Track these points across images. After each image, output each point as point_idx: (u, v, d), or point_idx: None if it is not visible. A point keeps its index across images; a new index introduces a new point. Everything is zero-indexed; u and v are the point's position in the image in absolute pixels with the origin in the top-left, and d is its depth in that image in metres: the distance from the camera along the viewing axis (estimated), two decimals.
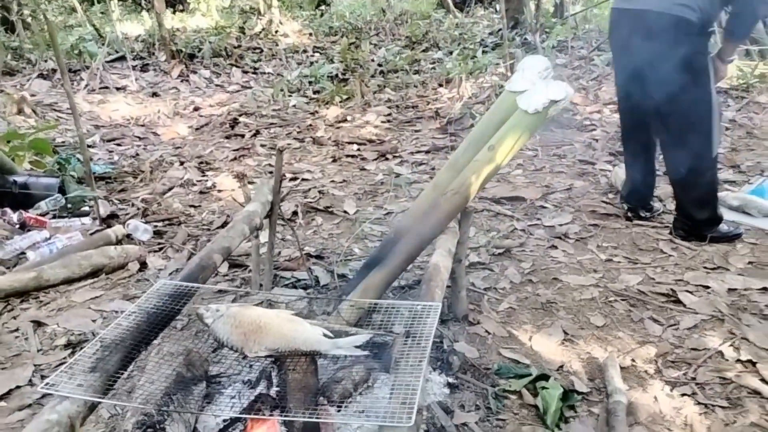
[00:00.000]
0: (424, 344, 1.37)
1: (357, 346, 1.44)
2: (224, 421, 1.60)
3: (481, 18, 13.56)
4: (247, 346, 1.40)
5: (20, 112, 5.67)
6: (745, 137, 4.45)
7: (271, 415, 1.47)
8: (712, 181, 2.76)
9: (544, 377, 1.83)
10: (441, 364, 1.92)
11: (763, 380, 1.85)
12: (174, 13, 13.21)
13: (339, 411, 1.61)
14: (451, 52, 8.59)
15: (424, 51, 9.35)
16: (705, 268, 2.56)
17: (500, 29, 9.66)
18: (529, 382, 1.83)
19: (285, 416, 1.35)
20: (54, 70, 7.25)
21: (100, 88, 6.95)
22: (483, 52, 8.36)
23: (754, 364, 1.92)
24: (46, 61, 7.56)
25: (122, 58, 8.04)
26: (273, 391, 1.57)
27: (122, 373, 1.34)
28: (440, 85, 6.68)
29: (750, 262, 2.60)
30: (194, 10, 12.82)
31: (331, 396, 1.58)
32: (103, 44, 8.37)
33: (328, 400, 1.56)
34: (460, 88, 6.04)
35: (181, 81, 7.50)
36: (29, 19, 9.63)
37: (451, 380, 1.86)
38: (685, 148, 2.67)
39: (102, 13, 12.55)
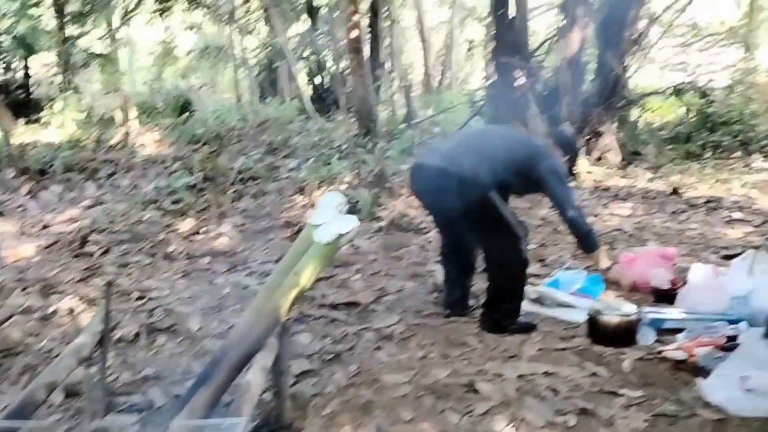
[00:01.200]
0: None
1: None
2: None
3: (341, 122, 14.43)
4: None
5: None
6: (552, 233, 5.16)
7: None
8: (521, 281, 3.30)
9: None
10: None
11: None
12: (27, 124, 12.91)
13: None
14: (308, 159, 9.11)
15: (284, 158, 9.79)
16: (502, 357, 2.98)
17: (355, 135, 10.41)
18: None
19: None
20: None
21: None
22: (338, 158, 8.96)
23: None
24: None
25: None
26: None
27: None
28: (295, 193, 7.06)
29: (540, 349, 3.06)
30: (47, 123, 12.60)
31: None
32: None
33: None
34: (312, 196, 6.46)
35: (30, 198, 7.34)
36: None
37: None
38: (496, 261, 3.22)
39: None
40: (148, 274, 4.57)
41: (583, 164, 7.47)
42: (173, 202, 7.02)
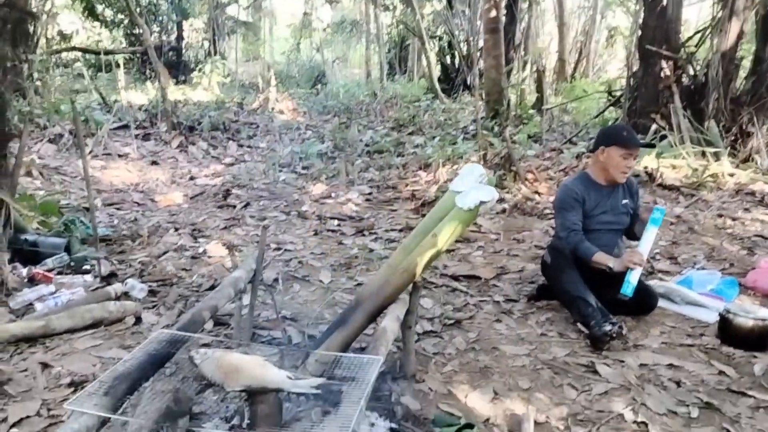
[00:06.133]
0: (364, 387, 1.76)
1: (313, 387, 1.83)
2: None
3: (467, 105, 14.41)
4: (226, 383, 1.79)
5: (28, 173, 6.12)
6: (686, 232, 4.95)
7: None
8: None
9: (470, 426, 2.21)
10: (387, 413, 2.29)
11: None
12: (177, 84, 13.98)
13: None
14: (433, 138, 9.24)
15: (409, 134, 10.00)
16: (624, 345, 2.97)
17: (482, 117, 10.39)
18: (457, 430, 2.20)
19: None
20: (61, 135, 7.76)
21: (103, 154, 7.45)
22: (464, 138, 9.02)
23: (646, 425, 2.31)
24: (54, 126, 8.07)
25: (125, 127, 8.61)
26: (245, 423, 1.94)
27: (128, 398, 1.72)
28: (420, 169, 7.22)
29: (664, 342, 3.02)
30: (196, 84, 13.57)
31: (292, 431, 1.95)
32: (108, 112, 8.95)
33: None
34: (437, 172, 6.59)
35: (180, 151, 8.04)
36: (38, 84, 10.23)
37: (394, 426, 2.23)
38: None
39: (108, 80, 13.27)
40: (283, 229, 4.91)
41: (725, 165, 7.04)
42: (305, 167, 7.43)
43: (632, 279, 3.02)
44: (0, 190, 3.37)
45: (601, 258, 3.14)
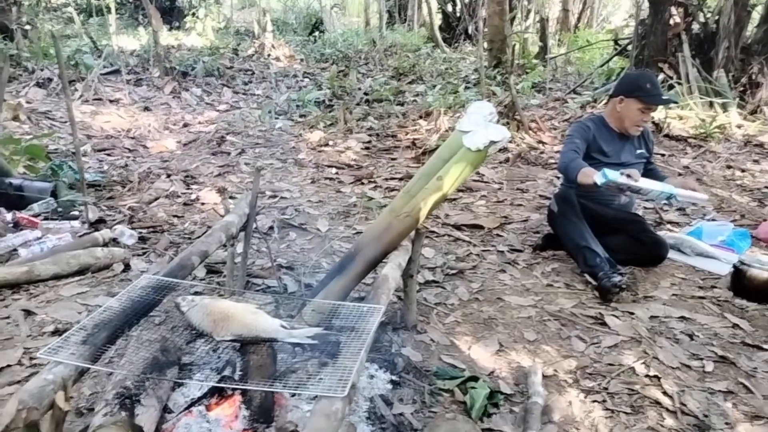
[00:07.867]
0: (365, 337, 1.64)
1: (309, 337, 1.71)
2: (192, 399, 1.84)
3: (468, 54, 14.04)
4: (215, 331, 1.66)
5: (15, 118, 5.91)
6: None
7: (232, 392, 1.73)
8: None
9: (475, 379, 2.10)
10: (387, 365, 2.18)
11: (664, 393, 2.13)
12: (170, 30, 13.56)
13: (293, 396, 1.87)
14: (434, 86, 8.98)
15: (409, 83, 9.71)
16: (634, 296, 2.86)
17: (485, 66, 10.09)
18: (461, 383, 2.09)
19: (242, 386, 1.60)
20: (50, 80, 7.51)
21: (94, 99, 7.21)
22: (465, 87, 8.76)
23: (659, 379, 2.21)
24: (42, 70, 7.80)
25: (117, 72, 8.33)
26: (236, 375, 1.82)
27: (108, 347, 1.59)
28: (420, 117, 6.99)
29: (674, 295, 2.90)
30: (190, 29, 13.15)
31: (287, 383, 1.83)
32: (99, 57, 8.65)
33: (284, 386, 1.81)
34: (438, 121, 6.38)
35: (173, 97, 7.78)
36: (27, 27, 9.88)
37: (394, 378, 2.12)
38: None
39: (99, 25, 12.84)
40: (279, 176, 4.74)
41: (734, 116, 6.84)
42: (302, 115, 7.21)
43: (612, 175, 2.84)
44: None
45: (589, 171, 2.96)
